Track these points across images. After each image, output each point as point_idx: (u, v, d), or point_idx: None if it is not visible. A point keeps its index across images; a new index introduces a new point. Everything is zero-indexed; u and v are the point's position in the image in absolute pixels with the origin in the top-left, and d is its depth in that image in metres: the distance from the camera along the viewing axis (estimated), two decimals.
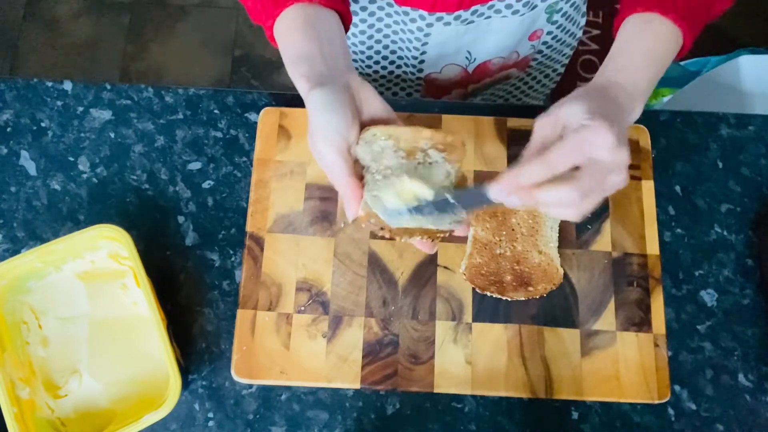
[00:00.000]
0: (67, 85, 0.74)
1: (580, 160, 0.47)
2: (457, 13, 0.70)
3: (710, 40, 1.72)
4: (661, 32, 0.55)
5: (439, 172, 0.54)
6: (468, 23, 0.72)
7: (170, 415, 0.58)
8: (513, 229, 0.65)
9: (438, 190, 0.51)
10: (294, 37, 0.55)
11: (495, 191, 0.48)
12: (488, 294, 0.64)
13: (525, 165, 0.47)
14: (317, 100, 0.50)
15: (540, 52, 0.84)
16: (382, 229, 0.52)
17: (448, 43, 0.76)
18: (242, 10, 1.78)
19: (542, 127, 0.50)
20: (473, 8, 0.69)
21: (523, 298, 0.64)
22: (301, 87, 0.53)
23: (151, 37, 1.75)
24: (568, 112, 0.48)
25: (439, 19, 0.71)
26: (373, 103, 0.54)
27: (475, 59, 0.81)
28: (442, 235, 0.54)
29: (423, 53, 0.78)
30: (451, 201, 0.51)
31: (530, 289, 0.63)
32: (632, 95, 0.52)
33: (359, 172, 0.52)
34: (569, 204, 0.47)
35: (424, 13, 0.70)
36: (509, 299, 0.64)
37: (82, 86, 0.74)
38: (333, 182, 0.52)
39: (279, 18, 0.56)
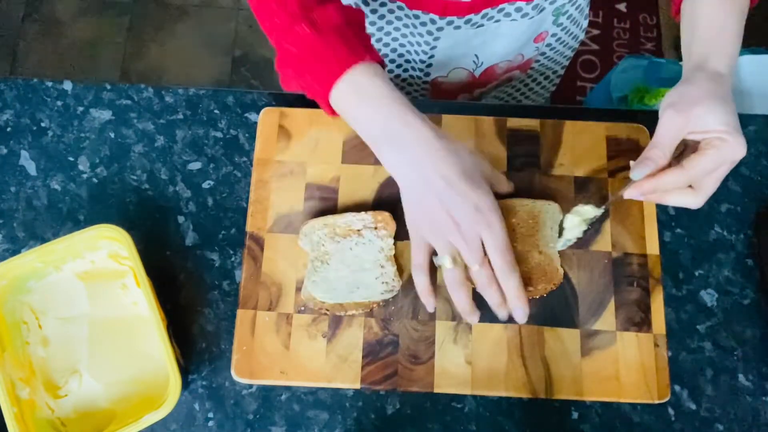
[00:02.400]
0: (67, 85, 0.74)
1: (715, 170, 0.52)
2: (467, 16, 0.70)
3: None
4: (741, 5, 0.57)
5: (374, 248, 0.64)
6: (477, 27, 0.72)
7: (170, 415, 0.58)
8: (513, 230, 0.64)
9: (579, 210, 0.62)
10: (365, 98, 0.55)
11: (633, 193, 0.54)
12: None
13: (668, 174, 0.52)
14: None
15: (543, 54, 0.84)
16: (320, 309, 0.63)
17: (457, 46, 0.76)
18: (242, 10, 1.78)
19: (673, 124, 0.53)
20: (483, 12, 0.69)
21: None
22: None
23: (151, 37, 1.76)
24: (707, 117, 0.51)
25: (449, 23, 0.71)
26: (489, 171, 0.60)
27: (482, 63, 0.81)
28: (375, 305, 0.64)
29: (431, 57, 0.78)
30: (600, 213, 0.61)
31: (530, 288, 0.63)
32: (732, 77, 0.56)
33: None
34: (694, 205, 0.55)
35: (435, 17, 0.70)
36: None
37: (82, 86, 0.74)
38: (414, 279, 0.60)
39: (335, 88, 0.54)
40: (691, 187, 0.55)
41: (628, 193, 0.55)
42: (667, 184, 0.53)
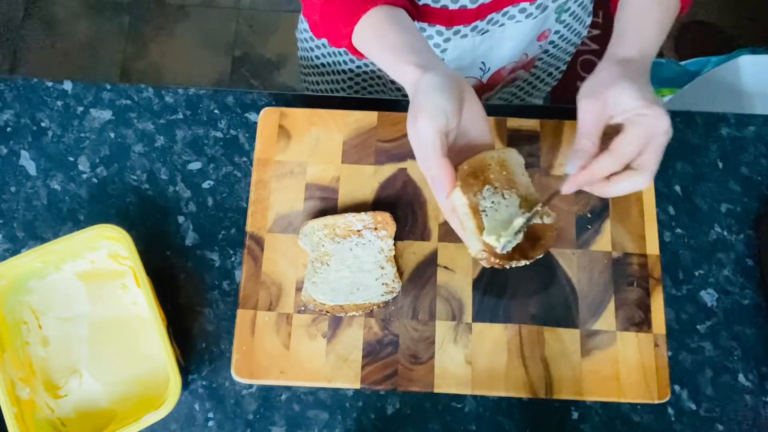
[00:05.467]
0: (67, 85, 0.74)
1: (643, 148, 0.52)
2: (473, 24, 0.70)
3: (710, 40, 1.72)
4: (666, 1, 0.59)
5: (374, 249, 0.64)
6: (483, 33, 0.72)
7: (170, 415, 0.58)
8: (495, 187, 0.58)
9: (525, 215, 0.56)
10: (388, 34, 0.56)
11: (569, 188, 0.54)
12: (513, 265, 0.58)
13: (598, 162, 0.52)
14: (430, 82, 0.51)
15: (546, 51, 0.84)
16: (320, 310, 0.63)
17: (464, 56, 0.76)
18: (242, 10, 1.78)
19: (590, 111, 0.53)
20: (489, 17, 0.69)
21: (540, 255, 0.59)
22: (411, 74, 0.53)
23: (151, 37, 1.75)
24: (619, 98, 0.52)
25: (456, 32, 0.71)
26: (473, 105, 0.55)
27: (489, 69, 0.80)
28: (375, 306, 0.63)
29: None
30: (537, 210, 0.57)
31: (542, 242, 0.60)
32: (652, 59, 0.57)
33: (454, 161, 0.53)
34: (641, 188, 0.54)
35: (442, 28, 0.70)
36: (511, 298, 0.64)
37: (82, 86, 0.74)
38: (424, 163, 0.52)
39: (359, 23, 0.57)
40: (633, 170, 0.54)
41: (566, 188, 0.55)
42: (601, 170, 0.53)
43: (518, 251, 0.58)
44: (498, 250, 0.55)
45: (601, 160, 0.52)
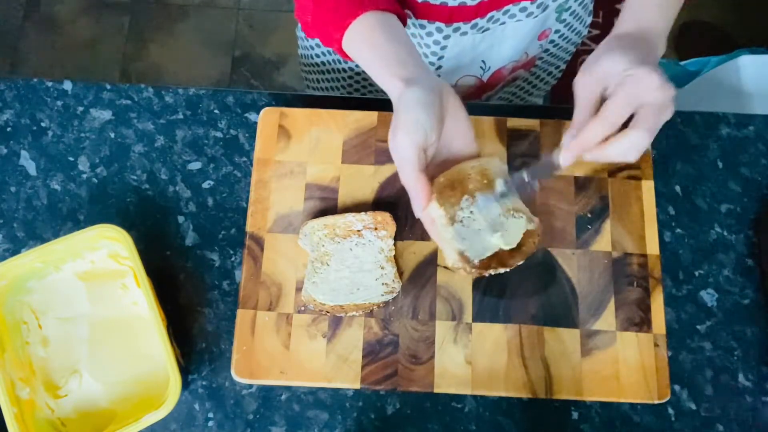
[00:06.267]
0: (67, 85, 0.74)
1: (634, 108, 0.51)
2: (473, 21, 0.70)
3: (710, 40, 1.72)
4: None
5: (374, 249, 0.64)
6: (484, 31, 0.72)
7: (170, 415, 0.58)
8: (474, 196, 0.58)
9: (510, 177, 0.58)
10: (376, 42, 0.57)
11: (565, 158, 0.54)
12: (492, 273, 0.59)
13: (587, 128, 0.52)
14: (411, 97, 0.52)
15: (547, 50, 0.84)
16: (320, 311, 0.62)
17: (464, 54, 0.76)
18: (242, 10, 1.78)
19: (584, 86, 0.53)
20: (489, 15, 0.69)
21: (521, 262, 0.60)
22: (394, 86, 0.54)
23: (151, 37, 1.76)
24: (608, 66, 0.51)
25: (456, 29, 0.71)
26: (458, 115, 0.55)
27: (489, 68, 0.81)
28: (375, 306, 0.63)
29: (438, 68, 0.78)
30: (526, 179, 0.58)
31: (523, 249, 0.60)
32: (657, 33, 0.56)
33: (432, 174, 0.54)
34: (641, 147, 0.51)
35: (441, 25, 0.70)
36: (511, 298, 0.64)
37: (82, 86, 0.74)
38: (402, 176, 0.53)
39: (350, 28, 0.57)
40: (629, 128, 0.53)
41: (562, 159, 0.55)
42: (593, 136, 0.52)
43: (496, 259, 0.58)
44: (469, 257, 0.55)
45: (590, 125, 0.52)
